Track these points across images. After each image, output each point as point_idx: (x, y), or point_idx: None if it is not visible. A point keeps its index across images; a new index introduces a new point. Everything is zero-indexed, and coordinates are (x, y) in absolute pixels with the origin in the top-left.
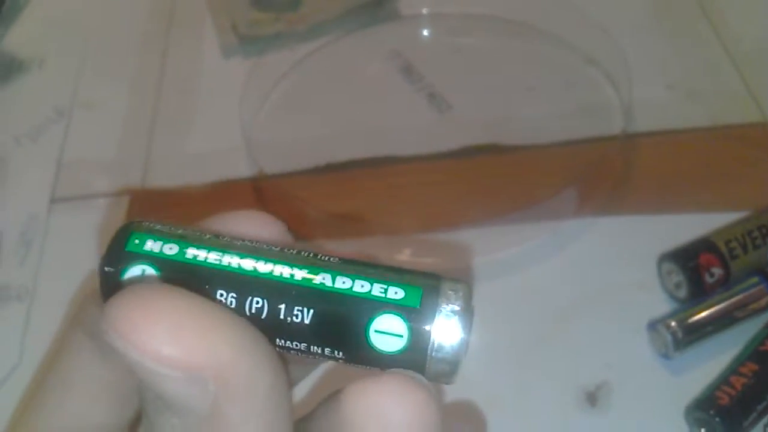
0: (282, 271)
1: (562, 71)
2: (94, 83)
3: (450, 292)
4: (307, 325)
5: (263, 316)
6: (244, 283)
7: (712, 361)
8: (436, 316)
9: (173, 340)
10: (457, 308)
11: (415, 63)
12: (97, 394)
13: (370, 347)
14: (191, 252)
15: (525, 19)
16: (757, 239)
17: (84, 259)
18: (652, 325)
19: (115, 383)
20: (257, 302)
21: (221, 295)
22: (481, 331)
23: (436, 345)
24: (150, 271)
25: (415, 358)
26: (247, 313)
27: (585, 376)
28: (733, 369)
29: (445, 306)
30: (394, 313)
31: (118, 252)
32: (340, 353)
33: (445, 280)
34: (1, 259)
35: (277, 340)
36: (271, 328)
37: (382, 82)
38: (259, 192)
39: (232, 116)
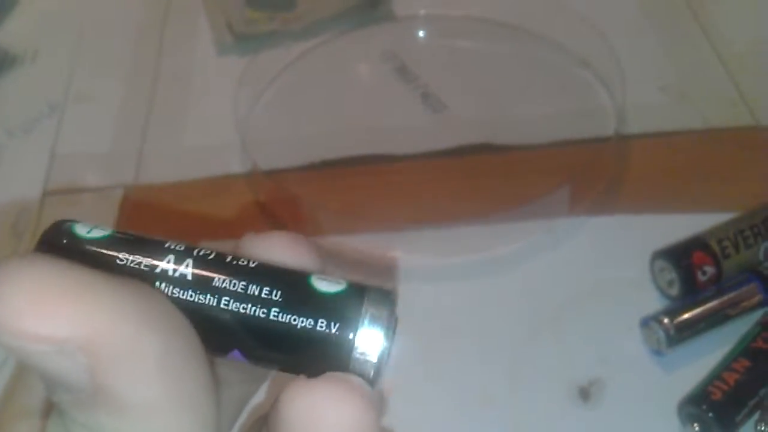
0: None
1: (556, 73)
2: (88, 77)
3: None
4: (251, 267)
5: (210, 257)
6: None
7: (704, 358)
8: (367, 289)
9: (37, 314)
10: (384, 306)
11: (410, 63)
12: None
13: (310, 286)
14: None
15: (519, 21)
16: (749, 239)
17: None
18: (645, 322)
19: None
20: (205, 250)
21: (171, 243)
22: (476, 327)
23: (370, 297)
24: (103, 228)
25: (350, 303)
26: (194, 254)
27: (578, 372)
28: (726, 365)
29: (373, 293)
30: (334, 277)
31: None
32: (278, 293)
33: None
34: None
35: (216, 279)
36: (213, 266)
37: (376, 82)
38: (253, 188)
39: (227, 113)
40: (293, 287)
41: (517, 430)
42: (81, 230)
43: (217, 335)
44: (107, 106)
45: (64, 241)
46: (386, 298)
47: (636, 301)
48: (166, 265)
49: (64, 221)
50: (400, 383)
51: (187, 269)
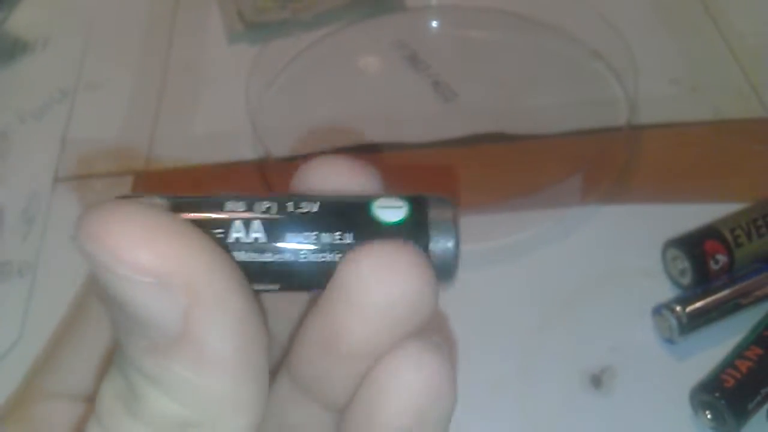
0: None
1: (568, 64)
2: (99, 64)
3: (437, 199)
4: (315, 212)
5: (273, 212)
6: (249, 197)
7: (716, 346)
8: (429, 199)
9: (146, 244)
10: (446, 206)
11: (421, 52)
12: (108, 358)
13: (375, 219)
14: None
15: (531, 12)
16: (761, 228)
17: None
18: (657, 310)
19: None
20: (266, 204)
21: (231, 204)
22: (488, 316)
23: (435, 215)
24: (161, 200)
25: (417, 227)
26: (258, 213)
27: (590, 359)
28: (738, 353)
29: (434, 202)
30: (393, 196)
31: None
32: (350, 236)
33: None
34: (4, 235)
35: (288, 235)
36: (281, 223)
37: (387, 70)
38: (263, 175)
39: (238, 100)
40: (360, 226)
41: (528, 418)
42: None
43: (297, 282)
44: (118, 93)
45: None
46: (447, 205)
47: (648, 289)
48: (237, 233)
49: (122, 199)
50: None
51: (259, 233)
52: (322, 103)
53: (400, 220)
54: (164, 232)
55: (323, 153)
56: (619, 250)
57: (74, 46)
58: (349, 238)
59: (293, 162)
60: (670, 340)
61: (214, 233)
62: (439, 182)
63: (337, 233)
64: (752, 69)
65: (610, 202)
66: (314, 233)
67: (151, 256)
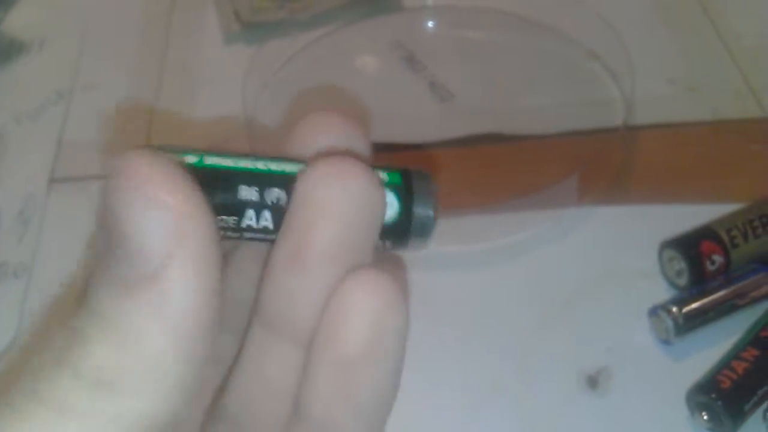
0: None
1: (565, 64)
2: (95, 65)
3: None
4: None
5: (281, 203)
6: (261, 176)
7: (713, 347)
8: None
9: (162, 182)
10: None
11: (417, 53)
12: None
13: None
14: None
15: (528, 12)
16: (757, 228)
17: (82, 238)
18: (654, 311)
19: None
20: (276, 191)
21: (245, 189)
22: (485, 316)
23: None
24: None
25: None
26: (269, 203)
27: (586, 360)
28: (735, 354)
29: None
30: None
31: None
32: None
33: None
34: (0, 236)
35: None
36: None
37: (384, 71)
38: None
39: (234, 101)
40: None
41: (525, 418)
42: None
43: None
44: (114, 94)
45: None
46: (427, 177)
47: (644, 290)
48: (249, 221)
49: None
50: (408, 370)
51: (268, 222)
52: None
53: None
54: (182, 181)
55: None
56: (616, 251)
57: (70, 47)
58: None
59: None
60: (666, 341)
61: (231, 221)
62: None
63: None
64: (750, 69)
65: (606, 202)
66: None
67: (163, 192)
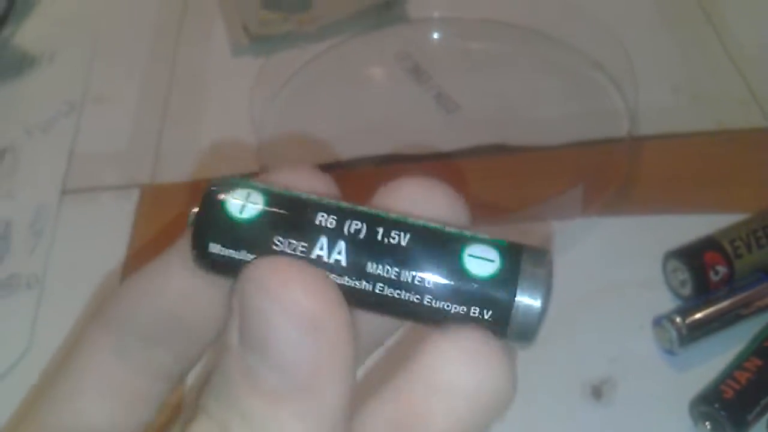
0: (377, 209)
1: (569, 75)
2: (105, 78)
3: (533, 252)
4: (403, 246)
5: (361, 236)
6: (343, 209)
7: (716, 357)
8: (524, 253)
9: (307, 295)
10: (541, 262)
11: (423, 64)
12: (109, 394)
13: (463, 270)
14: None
15: (533, 24)
16: (761, 239)
17: (94, 249)
18: (658, 321)
19: (128, 385)
20: (356, 224)
21: (322, 216)
22: None
23: (525, 273)
24: (256, 196)
25: (505, 287)
26: (345, 233)
27: (590, 370)
28: (738, 364)
29: (529, 257)
30: (486, 243)
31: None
32: (431, 281)
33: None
34: (12, 248)
35: (369, 264)
36: (366, 251)
37: (390, 83)
38: None
39: (242, 113)
40: (445, 272)
41: (530, 428)
42: (234, 210)
43: (373, 311)
44: (124, 106)
45: (221, 227)
46: (542, 264)
47: (648, 301)
48: (320, 251)
49: (216, 193)
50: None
51: (341, 256)
52: (326, 115)
53: (489, 276)
54: (322, 290)
55: (405, 174)
56: (620, 262)
57: (80, 59)
58: (429, 284)
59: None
60: (670, 351)
61: (298, 254)
62: None
63: (419, 276)
64: (753, 78)
65: (610, 213)
66: (395, 268)
67: (310, 304)
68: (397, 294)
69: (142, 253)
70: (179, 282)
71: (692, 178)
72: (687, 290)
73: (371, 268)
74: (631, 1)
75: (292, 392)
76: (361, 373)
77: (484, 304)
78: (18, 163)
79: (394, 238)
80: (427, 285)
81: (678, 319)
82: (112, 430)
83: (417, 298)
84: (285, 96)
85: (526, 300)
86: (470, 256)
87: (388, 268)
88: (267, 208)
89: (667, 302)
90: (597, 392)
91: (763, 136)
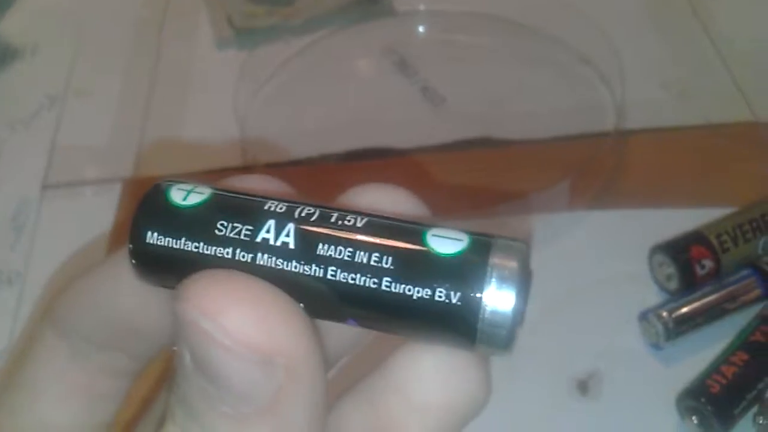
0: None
1: (556, 69)
2: (88, 71)
3: (505, 241)
4: (358, 227)
5: (312, 219)
6: (295, 200)
7: (703, 351)
8: (494, 240)
9: (257, 322)
10: (513, 257)
11: (409, 58)
12: (66, 395)
13: (426, 245)
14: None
15: (520, 17)
16: (747, 233)
17: (75, 244)
18: (644, 316)
19: (84, 385)
20: (308, 209)
21: (271, 203)
22: None
23: (496, 256)
24: (202, 188)
25: (473, 266)
26: (296, 216)
27: (576, 365)
28: (724, 359)
29: (500, 244)
30: (452, 228)
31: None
32: (389, 259)
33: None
34: None
35: (320, 246)
36: (317, 232)
37: (376, 76)
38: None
39: (226, 107)
40: (406, 250)
41: (516, 423)
42: (177, 197)
43: (327, 305)
44: (107, 100)
45: (161, 211)
46: (515, 250)
47: (635, 295)
48: (266, 234)
49: (160, 185)
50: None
51: (289, 237)
52: (311, 108)
53: (454, 254)
54: (273, 311)
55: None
56: (607, 256)
57: (63, 53)
58: (388, 262)
59: (281, 168)
60: (656, 346)
61: (242, 237)
62: (428, 187)
63: (375, 254)
64: (741, 74)
65: (597, 207)
66: (349, 248)
67: (260, 335)
68: (352, 279)
69: (123, 247)
70: (129, 292)
71: (679, 172)
72: (673, 284)
73: (322, 249)
74: None
75: (252, 416)
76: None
77: (451, 284)
78: (0, 157)
79: (349, 221)
80: (384, 265)
81: (664, 314)
82: (76, 429)
83: (375, 282)
84: (269, 89)
85: (499, 293)
86: (434, 235)
87: (341, 248)
88: (213, 193)
89: (653, 296)
90: (583, 387)
91: (750, 131)
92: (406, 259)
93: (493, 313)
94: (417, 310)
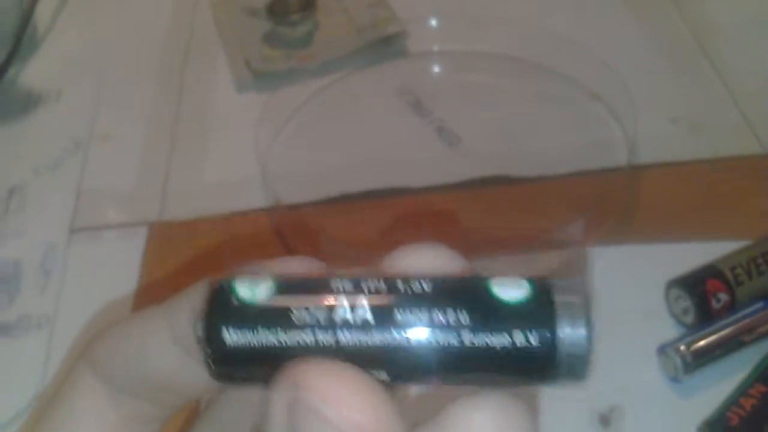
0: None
1: (569, 107)
2: (111, 116)
3: (563, 281)
4: (428, 291)
5: (382, 291)
6: (356, 275)
7: (721, 383)
8: (553, 281)
9: (367, 410)
10: (574, 294)
11: (424, 98)
12: None
13: (494, 297)
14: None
15: (532, 56)
16: (761, 266)
17: (103, 287)
18: (662, 349)
19: (120, 426)
20: (374, 282)
21: (337, 283)
22: None
23: (560, 296)
24: (265, 278)
25: (543, 309)
26: (365, 291)
27: (598, 399)
28: (742, 391)
29: (559, 284)
30: (511, 276)
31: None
32: (465, 314)
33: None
34: (22, 288)
35: (397, 313)
36: (391, 302)
37: (391, 116)
38: (274, 222)
39: (247, 149)
40: (477, 304)
41: None
42: (245, 293)
43: (411, 370)
44: (130, 144)
45: (234, 308)
46: (575, 286)
47: (652, 329)
48: (344, 313)
49: (222, 284)
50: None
51: (366, 313)
52: (329, 149)
53: (521, 300)
54: (374, 398)
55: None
56: (622, 291)
57: (87, 98)
58: (464, 319)
59: (300, 208)
60: (675, 379)
61: (321, 321)
62: (444, 226)
63: (450, 311)
64: (749, 107)
65: (612, 243)
66: (425, 311)
67: (370, 423)
68: (435, 341)
69: (151, 290)
70: (164, 354)
71: (691, 205)
72: (690, 318)
73: (400, 318)
74: (627, 34)
75: None
76: None
77: (526, 327)
78: (26, 202)
79: (417, 287)
80: (462, 321)
81: (682, 347)
82: None
83: (456, 341)
84: (290, 130)
85: (570, 327)
86: (497, 285)
87: (418, 311)
88: (279, 284)
89: (670, 330)
90: (605, 420)
91: (759, 164)
92: (479, 312)
93: (571, 347)
94: (500, 358)
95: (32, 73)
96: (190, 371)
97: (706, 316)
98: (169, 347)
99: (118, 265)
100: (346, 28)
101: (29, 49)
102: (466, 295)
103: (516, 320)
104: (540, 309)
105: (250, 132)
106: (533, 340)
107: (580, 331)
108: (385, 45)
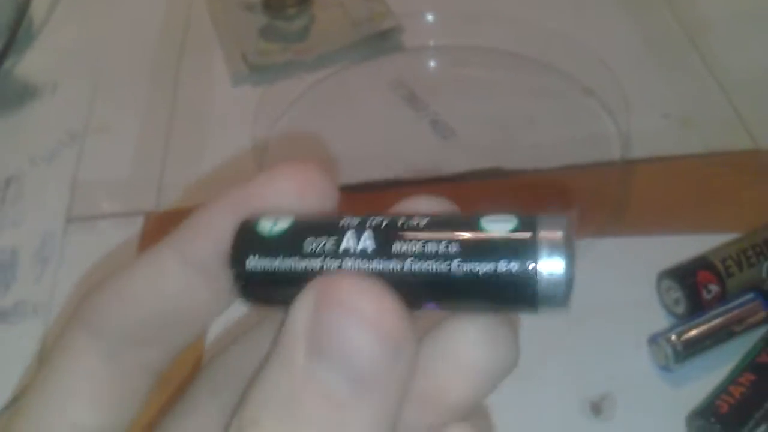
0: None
1: (562, 101)
2: (107, 108)
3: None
4: (422, 226)
5: (383, 226)
6: (363, 215)
7: (711, 373)
8: (538, 220)
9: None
10: (558, 228)
11: (419, 92)
12: (97, 396)
13: (483, 230)
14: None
15: (526, 51)
16: (751, 258)
17: (99, 276)
18: (653, 339)
19: (116, 385)
20: (377, 219)
21: (345, 220)
22: None
23: (543, 225)
24: (284, 217)
25: (526, 241)
26: (368, 226)
27: (589, 387)
28: (732, 379)
29: (545, 217)
30: (502, 212)
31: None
32: (456, 244)
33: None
34: (18, 275)
35: (395, 245)
36: (389, 235)
37: (386, 110)
38: None
39: (243, 140)
40: (467, 236)
41: None
42: (265, 228)
43: (407, 294)
44: (126, 136)
45: (255, 242)
46: (559, 222)
47: (644, 320)
48: (347, 243)
49: (248, 222)
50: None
51: (367, 243)
52: (324, 142)
53: (508, 233)
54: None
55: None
56: (615, 282)
57: (83, 90)
58: (454, 248)
59: None
60: (666, 368)
61: (327, 250)
62: None
63: (443, 243)
64: (740, 102)
65: (604, 235)
66: (419, 242)
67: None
68: (426, 267)
69: None
70: (175, 280)
71: (683, 199)
72: (680, 309)
73: (397, 247)
74: (620, 30)
75: (363, 399)
76: None
77: (509, 257)
78: (23, 192)
79: (414, 223)
80: (452, 250)
81: (673, 337)
82: (102, 429)
83: (446, 266)
84: (284, 124)
85: (550, 260)
86: (487, 221)
87: (413, 243)
88: (295, 221)
89: (661, 320)
90: (596, 408)
91: (751, 158)
92: (468, 243)
93: (549, 276)
94: (485, 284)
95: (28, 66)
96: (201, 292)
97: (696, 307)
98: (178, 274)
99: (114, 254)
100: (342, 22)
101: (25, 41)
102: (457, 228)
103: (501, 250)
104: (523, 240)
105: (246, 124)
106: (516, 268)
107: (560, 261)
108: (381, 39)
